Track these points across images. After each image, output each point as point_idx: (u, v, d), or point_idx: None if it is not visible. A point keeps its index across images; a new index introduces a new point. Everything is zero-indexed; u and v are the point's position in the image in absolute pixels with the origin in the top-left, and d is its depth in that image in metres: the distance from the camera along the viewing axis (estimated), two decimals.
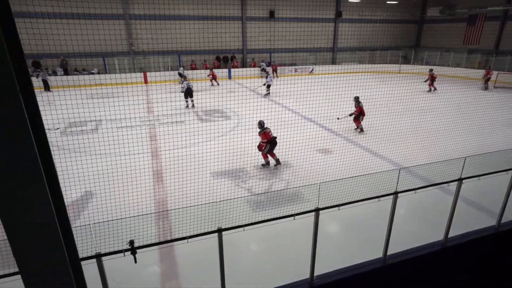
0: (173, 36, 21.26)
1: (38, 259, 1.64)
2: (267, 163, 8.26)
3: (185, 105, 14.99)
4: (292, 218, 3.57)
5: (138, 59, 22.68)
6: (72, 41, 19.48)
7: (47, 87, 18.92)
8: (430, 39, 30.20)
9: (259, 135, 8.13)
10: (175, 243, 4.62)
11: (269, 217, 3.57)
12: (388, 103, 13.36)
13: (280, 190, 7.10)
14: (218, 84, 21.59)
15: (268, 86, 17.65)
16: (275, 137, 8.18)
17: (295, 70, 26.02)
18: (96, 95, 16.79)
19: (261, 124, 8.17)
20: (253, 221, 3.51)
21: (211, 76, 21.52)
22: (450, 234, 4.87)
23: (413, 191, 4.42)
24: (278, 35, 25.00)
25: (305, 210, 3.67)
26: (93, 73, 21.04)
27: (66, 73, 20.93)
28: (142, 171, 7.86)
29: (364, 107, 11.15)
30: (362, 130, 11.07)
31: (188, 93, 14.76)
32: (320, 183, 3.92)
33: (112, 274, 3.26)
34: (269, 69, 24.07)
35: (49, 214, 1.60)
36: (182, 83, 16.12)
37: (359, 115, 10.99)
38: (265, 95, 17.78)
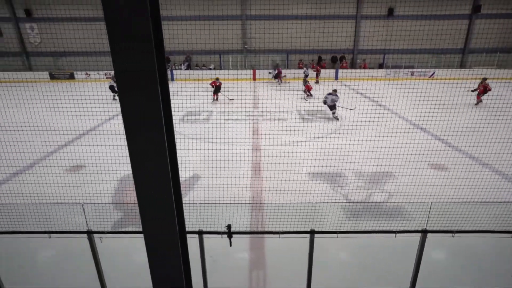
0: (283, 35, 21.86)
1: (156, 226, 1.92)
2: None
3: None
4: (392, 235, 3.23)
5: (249, 57, 24.18)
6: (200, 40, 22.14)
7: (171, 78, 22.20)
8: None
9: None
10: (265, 235, 4.78)
11: (364, 229, 3.32)
12: None
13: (380, 202, 6.53)
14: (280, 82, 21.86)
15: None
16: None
17: (412, 74, 23.44)
18: (211, 89, 18.67)
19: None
20: (347, 229, 3.33)
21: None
22: None
23: None
24: (396, 34, 22.91)
25: (409, 229, 3.27)
26: (210, 69, 23.45)
27: (189, 68, 23.92)
28: (243, 162, 8.37)
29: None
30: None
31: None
32: (431, 202, 3.43)
33: (208, 251, 3.58)
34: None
35: (168, 190, 1.85)
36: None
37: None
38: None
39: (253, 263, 4.88)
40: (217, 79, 16.03)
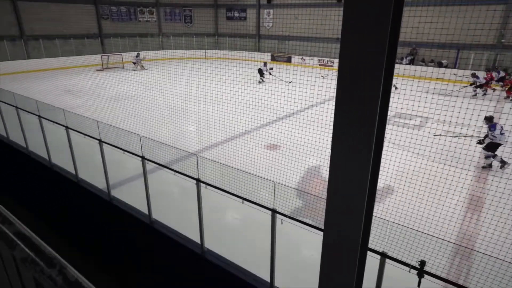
0: None
1: (339, 230, 1.95)
2: None
3: None
4: None
5: (504, 54, 19.74)
6: (429, 29, 20.12)
7: None
8: None
9: None
10: None
11: None
12: None
13: None
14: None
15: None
16: None
17: None
18: (433, 90, 16.75)
19: None
20: None
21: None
22: None
23: None
24: None
25: None
26: (440, 66, 20.84)
27: (412, 63, 22.22)
28: (457, 190, 7.13)
29: None
30: None
31: None
32: None
33: (386, 279, 3.33)
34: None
35: (361, 196, 1.82)
36: None
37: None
38: None
39: None
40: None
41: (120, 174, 7.59)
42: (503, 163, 8.34)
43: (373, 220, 2.06)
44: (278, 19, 29.26)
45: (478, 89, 17.06)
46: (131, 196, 6.41)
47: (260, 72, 20.00)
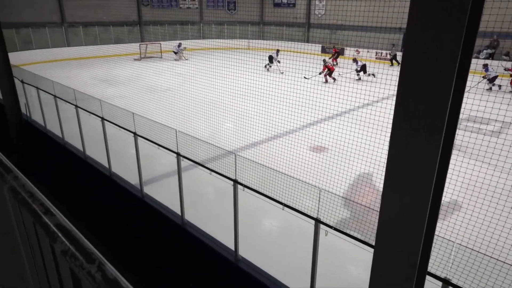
0: None
1: (392, 249, 1.88)
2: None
3: None
4: None
5: None
6: None
7: None
8: None
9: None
10: None
11: None
12: None
13: None
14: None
15: None
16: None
17: None
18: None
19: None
20: None
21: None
22: None
23: None
24: None
25: None
26: None
27: (491, 57, 20.75)
28: None
29: None
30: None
31: None
32: None
33: None
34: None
35: (422, 213, 1.73)
36: None
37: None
38: None
39: None
40: None
41: (153, 170, 7.92)
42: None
43: (434, 240, 1.96)
44: (331, 6, 28.73)
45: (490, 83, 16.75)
46: (163, 194, 6.66)
47: (270, 59, 21.23)
